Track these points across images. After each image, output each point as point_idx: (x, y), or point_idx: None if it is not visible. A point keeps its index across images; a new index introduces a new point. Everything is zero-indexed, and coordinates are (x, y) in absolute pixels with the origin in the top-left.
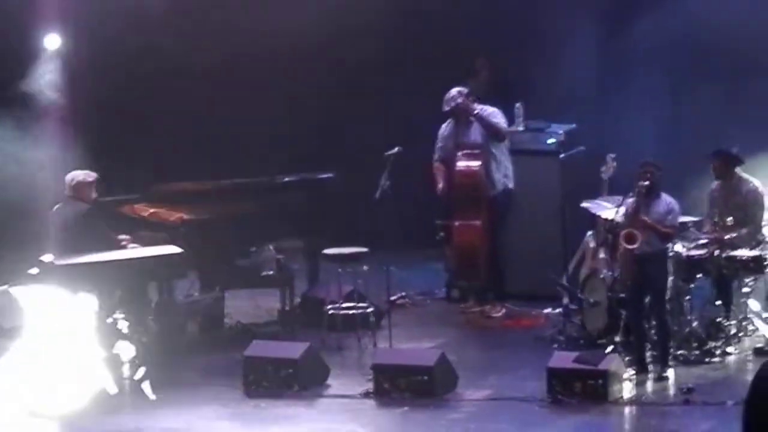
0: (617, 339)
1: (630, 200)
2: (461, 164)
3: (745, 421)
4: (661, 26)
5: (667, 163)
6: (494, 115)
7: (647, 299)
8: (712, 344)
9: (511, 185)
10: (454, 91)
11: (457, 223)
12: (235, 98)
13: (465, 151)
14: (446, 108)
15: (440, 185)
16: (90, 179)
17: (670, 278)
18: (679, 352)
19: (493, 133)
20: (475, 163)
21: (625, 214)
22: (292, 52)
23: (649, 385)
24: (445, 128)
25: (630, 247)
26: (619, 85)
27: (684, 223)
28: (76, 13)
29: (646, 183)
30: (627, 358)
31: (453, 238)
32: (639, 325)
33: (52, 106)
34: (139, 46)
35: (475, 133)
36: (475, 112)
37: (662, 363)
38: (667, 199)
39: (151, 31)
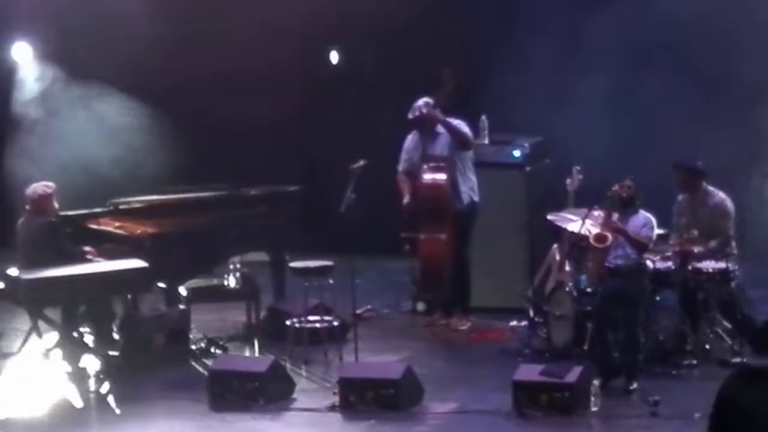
0: (583, 351)
1: (596, 213)
2: (427, 177)
3: None
4: (628, 40)
5: (635, 176)
6: (460, 125)
7: (618, 312)
8: (677, 356)
9: (476, 198)
10: (421, 101)
11: (422, 236)
12: (200, 111)
13: (431, 164)
14: (410, 116)
15: (406, 199)
16: (50, 190)
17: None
18: (645, 364)
19: (460, 140)
20: (441, 176)
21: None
22: (257, 65)
23: (616, 398)
24: (410, 140)
25: (599, 246)
26: (586, 97)
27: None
28: (42, 21)
29: (624, 195)
30: (593, 371)
31: (418, 251)
32: (605, 336)
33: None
34: (106, 56)
35: (441, 146)
36: (444, 120)
37: (629, 376)
38: (644, 215)
39: (119, 42)
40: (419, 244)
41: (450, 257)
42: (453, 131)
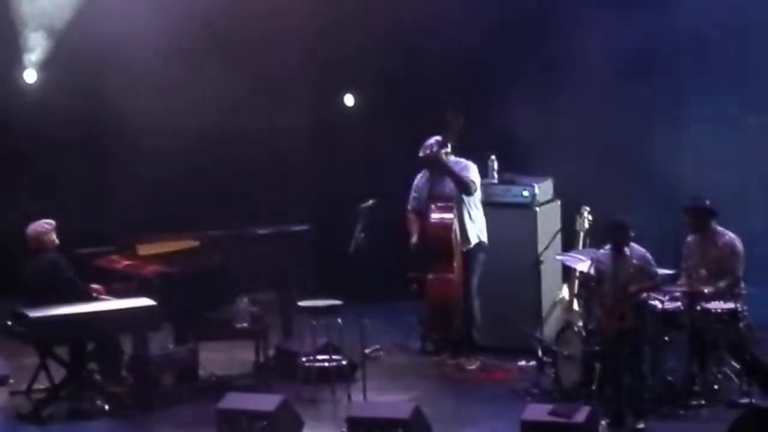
0: (592, 391)
1: (602, 252)
2: (435, 216)
3: None
4: (639, 82)
5: (642, 216)
6: (466, 168)
7: (624, 350)
8: (686, 397)
9: (484, 238)
10: (432, 139)
11: (430, 276)
12: (210, 149)
13: (439, 204)
14: (421, 154)
15: (414, 238)
16: (49, 227)
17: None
18: (654, 405)
19: (461, 187)
20: (449, 216)
21: (611, 283)
22: (268, 101)
23: None
24: (419, 179)
25: (622, 325)
26: (595, 138)
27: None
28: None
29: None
30: (601, 411)
31: (427, 291)
32: (615, 376)
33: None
34: (114, 98)
35: (449, 186)
36: (444, 164)
37: (637, 414)
38: (638, 251)
39: (125, 87)
40: (427, 284)
41: (458, 297)
42: (454, 177)
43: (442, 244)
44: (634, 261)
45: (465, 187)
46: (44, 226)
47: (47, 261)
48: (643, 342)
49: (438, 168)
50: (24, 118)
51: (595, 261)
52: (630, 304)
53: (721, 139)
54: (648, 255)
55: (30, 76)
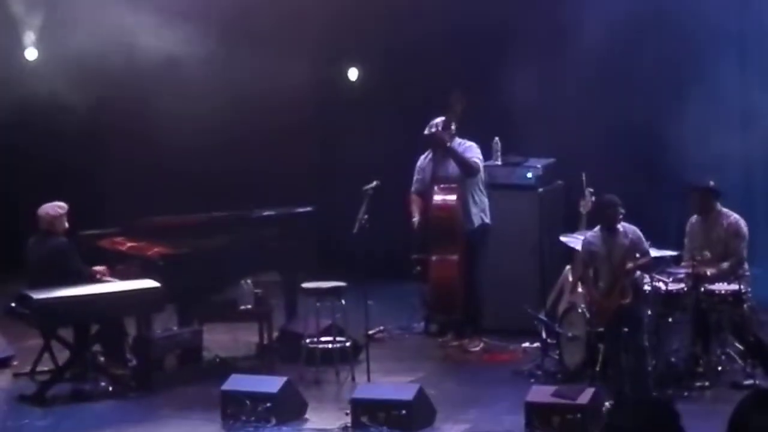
0: (596, 372)
1: (591, 234)
2: (438, 198)
3: None
4: (643, 63)
5: (645, 196)
6: (469, 149)
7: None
8: (690, 379)
9: (487, 220)
10: (438, 119)
11: (434, 258)
12: (213, 132)
13: (442, 185)
14: (425, 132)
15: (415, 218)
16: (62, 211)
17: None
18: (658, 387)
19: (464, 168)
20: (452, 197)
21: (605, 263)
22: (271, 85)
23: None
24: (422, 160)
25: (624, 301)
26: (599, 119)
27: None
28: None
29: (617, 225)
30: (605, 392)
31: (430, 272)
32: (618, 357)
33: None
34: (121, 78)
35: (453, 167)
36: (448, 145)
37: (644, 388)
38: (630, 228)
39: (126, 71)
40: (431, 266)
41: (462, 279)
42: (457, 159)
43: (445, 225)
44: (629, 236)
45: (468, 169)
46: (57, 209)
47: (55, 245)
48: (642, 319)
49: (441, 149)
50: (25, 98)
51: (585, 243)
52: (629, 280)
53: (726, 117)
54: (639, 232)
55: (30, 54)
